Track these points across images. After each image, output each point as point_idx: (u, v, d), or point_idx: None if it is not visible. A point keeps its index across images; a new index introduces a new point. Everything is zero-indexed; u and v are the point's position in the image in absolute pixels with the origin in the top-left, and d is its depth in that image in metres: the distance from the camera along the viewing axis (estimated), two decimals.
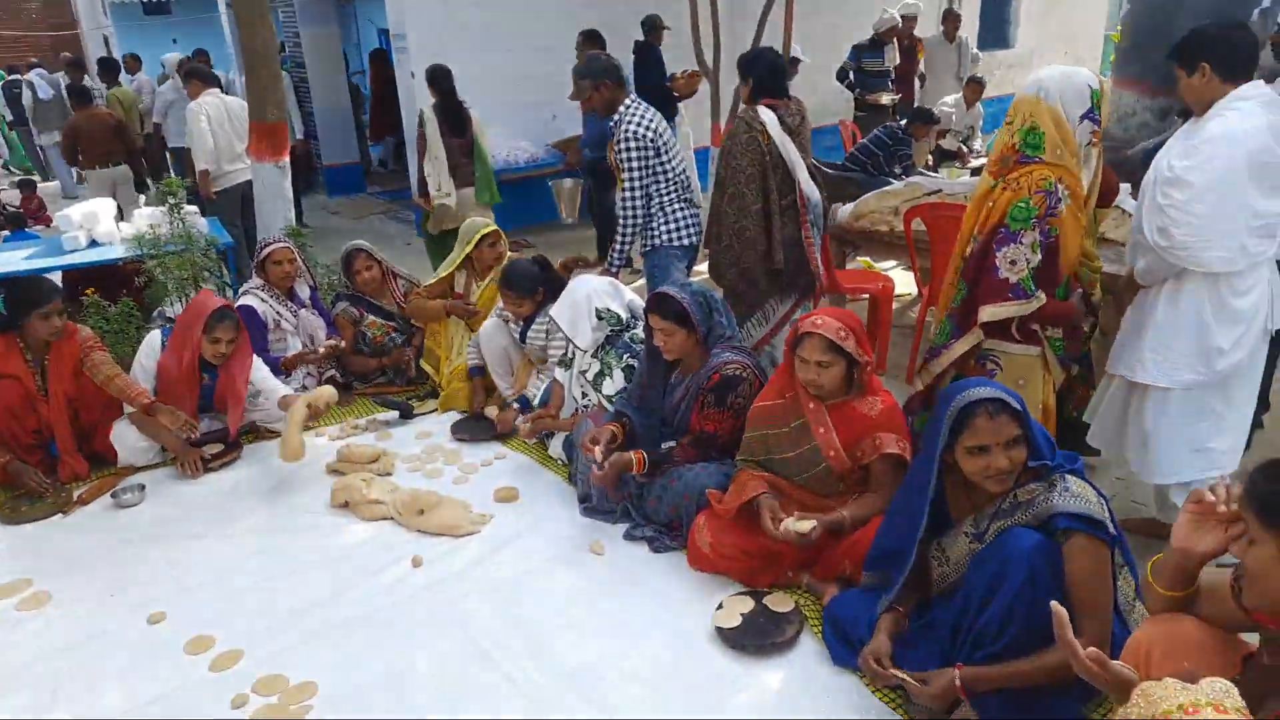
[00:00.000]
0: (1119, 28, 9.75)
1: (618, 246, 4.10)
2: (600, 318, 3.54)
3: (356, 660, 2.57)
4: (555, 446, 3.70)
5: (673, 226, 4.10)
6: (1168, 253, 2.67)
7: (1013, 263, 2.66)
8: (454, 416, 4.16)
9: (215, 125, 6.18)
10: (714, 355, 3.06)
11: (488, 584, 2.90)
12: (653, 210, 4.08)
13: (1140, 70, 8.54)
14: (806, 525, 2.59)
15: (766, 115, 3.71)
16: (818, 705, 2.34)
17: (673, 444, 3.13)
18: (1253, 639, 1.71)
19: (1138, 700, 1.16)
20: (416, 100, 7.78)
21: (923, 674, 2.15)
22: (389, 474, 3.64)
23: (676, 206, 4.10)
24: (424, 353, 4.56)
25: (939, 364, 2.87)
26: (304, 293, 4.48)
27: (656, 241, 4.12)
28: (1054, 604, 1.58)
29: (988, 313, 2.71)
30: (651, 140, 3.94)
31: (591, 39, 6.73)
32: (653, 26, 7.35)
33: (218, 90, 6.39)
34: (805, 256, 3.87)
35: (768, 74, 3.78)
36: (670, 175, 4.04)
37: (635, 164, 3.94)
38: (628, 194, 3.99)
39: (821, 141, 10.02)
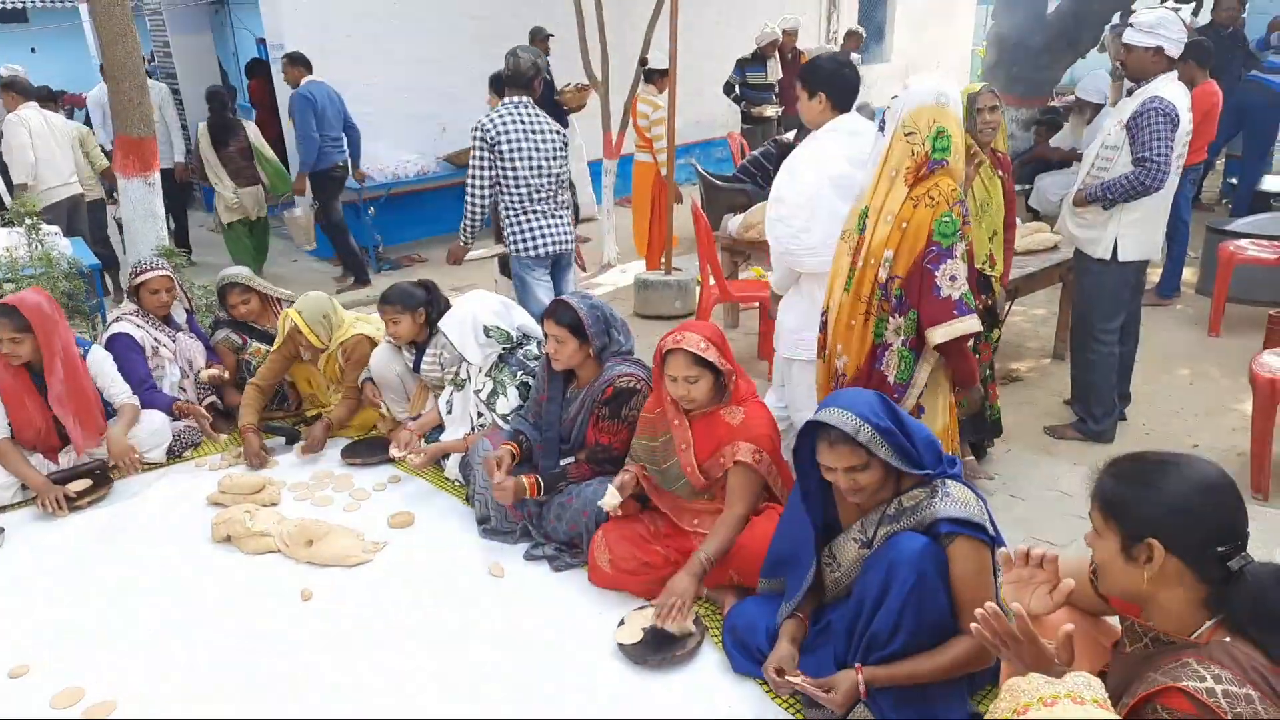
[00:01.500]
0: (984, 43, 10.31)
1: (465, 224, 4.29)
2: (488, 335, 3.49)
3: (244, 701, 2.44)
4: (451, 468, 3.63)
5: (520, 235, 4.23)
6: (782, 259, 3.16)
7: (953, 279, 2.64)
8: (344, 442, 4.03)
9: (36, 139, 5.83)
10: (608, 368, 3.07)
11: (383, 613, 2.81)
12: (505, 216, 4.26)
13: (1005, 83, 9.06)
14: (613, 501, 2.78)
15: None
16: (720, 714, 2.36)
17: (570, 460, 3.12)
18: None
19: (1005, 695, 1.21)
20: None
21: (826, 680, 2.19)
22: (275, 504, 3.48)
23: (526, 215, 4.21)
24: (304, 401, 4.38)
25: (909, 400, 2.77)
26: (180, 316, 4.26)
27: (510, 248, 4.29)
28: (989, 604, 1.63)
29: (940, 334, 2.66)
30: (491, 136, 4.08)
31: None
32: (537, 38, 7.33)
33: (36, 104, 6.05)
34: None
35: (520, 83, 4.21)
36: (517, 181, 4.14)
37: (473, 154, 4.14)
38: (467, 181, 4.19)
39: (712, 154, 10.22)
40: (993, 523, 2.23)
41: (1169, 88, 3.50)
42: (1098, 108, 6.41)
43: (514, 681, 2.50)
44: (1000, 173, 3.50)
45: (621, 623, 2.68)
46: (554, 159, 4.24)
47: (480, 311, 3.52)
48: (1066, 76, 9.40)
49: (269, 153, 7.08)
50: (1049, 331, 5.10)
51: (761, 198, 5.98)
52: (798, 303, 3.21)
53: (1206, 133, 5.29)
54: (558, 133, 4.28)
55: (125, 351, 3.92)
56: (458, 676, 2.52)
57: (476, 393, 3.55)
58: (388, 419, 4.06)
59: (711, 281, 5.10)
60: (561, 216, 4.34)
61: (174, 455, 3.93)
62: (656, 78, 6.56)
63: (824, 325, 2.91)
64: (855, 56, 9.43)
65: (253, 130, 7.00)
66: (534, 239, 4.25)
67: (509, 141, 4.09)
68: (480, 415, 3.56)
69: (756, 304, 5.16)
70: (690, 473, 2.78)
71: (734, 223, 5.51)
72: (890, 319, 2.70)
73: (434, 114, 8.19)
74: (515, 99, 4.19)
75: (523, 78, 4.20)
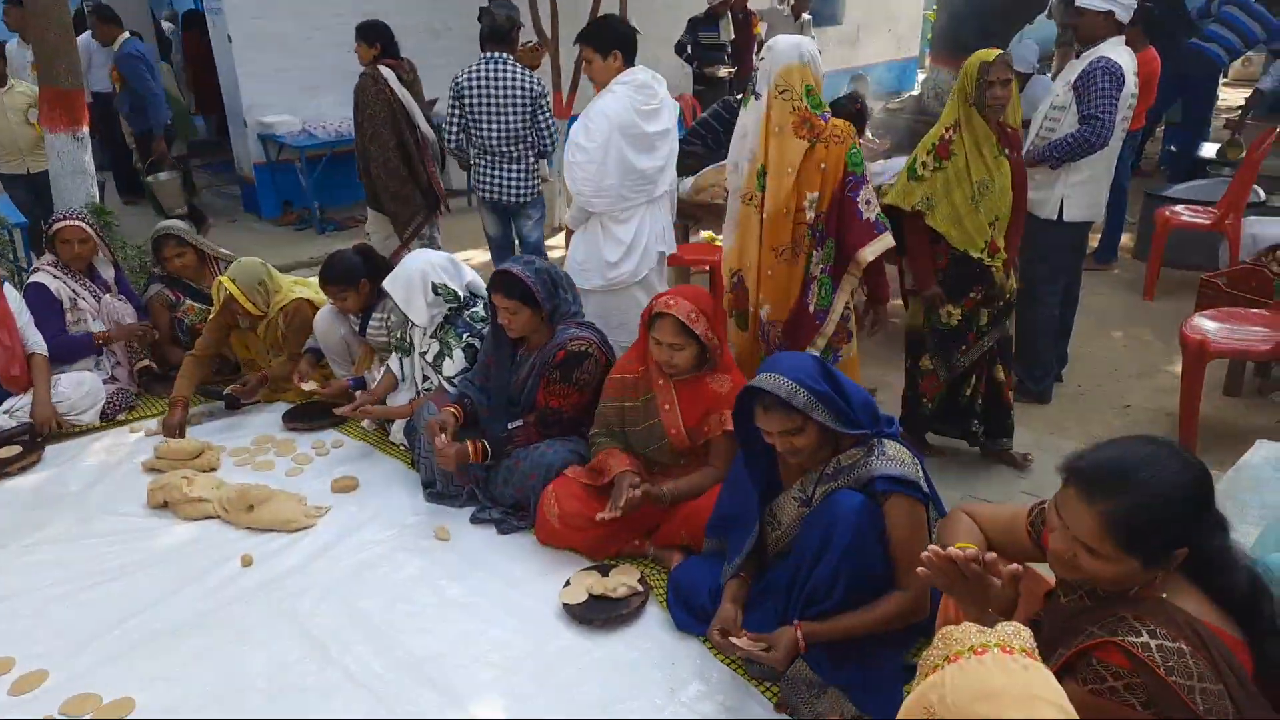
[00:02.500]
0: (934, 7, 10.32)
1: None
2: (437, 293, 3.43)
3: (180, 671, 2.41)
4: (396, 432, 3.58)
5: (476, 179, 4.70)
6: (576, 200, 3.53)
7: (869, 202, 2.98)
8: (285, 406, 3.95)
9: None
10: (559, 332, 3.04)
11: (325, 579, 2.79)
12: (473, 160, 4.67)
13: (954, 49, 9.08)
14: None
15: (387, 73, 4.67)
16: (663, 672, 2.39)
17: (518, 424, 3.10)
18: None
19: (938, 643, 1.24)
20: (237, 68, 7.27)
21: (765, 637, 2.23)
22: (214, 469, 3.41)
23: (481, 162, 4.62)
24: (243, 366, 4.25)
25: (830, 325, 3.05)
26: (107, 274, 4.09)
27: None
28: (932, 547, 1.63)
29: (870, 252, 2.98)
30: (458, 88, 4.48)
31: None
32: None
33: None
34: (432, 183, 4.88)
35: (388, 39, 4.72)
36: (479, 131, 4.51)
37: (447, 103, 4.60)
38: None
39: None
40: (928, 480, 2.29)
41: (1116, 50, 3.58)
42: (1027, 77, 6.47)
43: (458, 643, 2.50)
44: (1009, 151, 3.22)
45: (567, 583, 2.69)
46: (518, 114, 4.46)
47: (429, 269, 3.46)
48: (1015, 41, 9.47)
49: (174, 92, 7.49)
50: None
51: (712, 160, 5.95)
52: (588, 239, 3.61)
53: (1146, 99, 5.39)
54: (526, 89, 4.46)
55: (38, 302, 3.77)
56: (402, 639, 2.52)
57: (422, 355, 3.50)
58: (333, 385, 3.98)
59: None
60: (513, 170, 4.57)
61: (108, 418, 3.82)
62: None
63: (736, 286, 3.09)
64: (806, 18, 9.40)
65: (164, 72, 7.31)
66: (484, 185, 4.63)
67: (474, 95, 4.42)
68: (426, 379, 3.52)
69: (708, 268, 5.15)
70: (675, 434, 2.78)
71: (684, 185, 5.47)
72: (814, 253, 2.93)
73: None
74: (490, 54, 4.47)
75: (500, 32, 4.48)
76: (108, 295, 4.02)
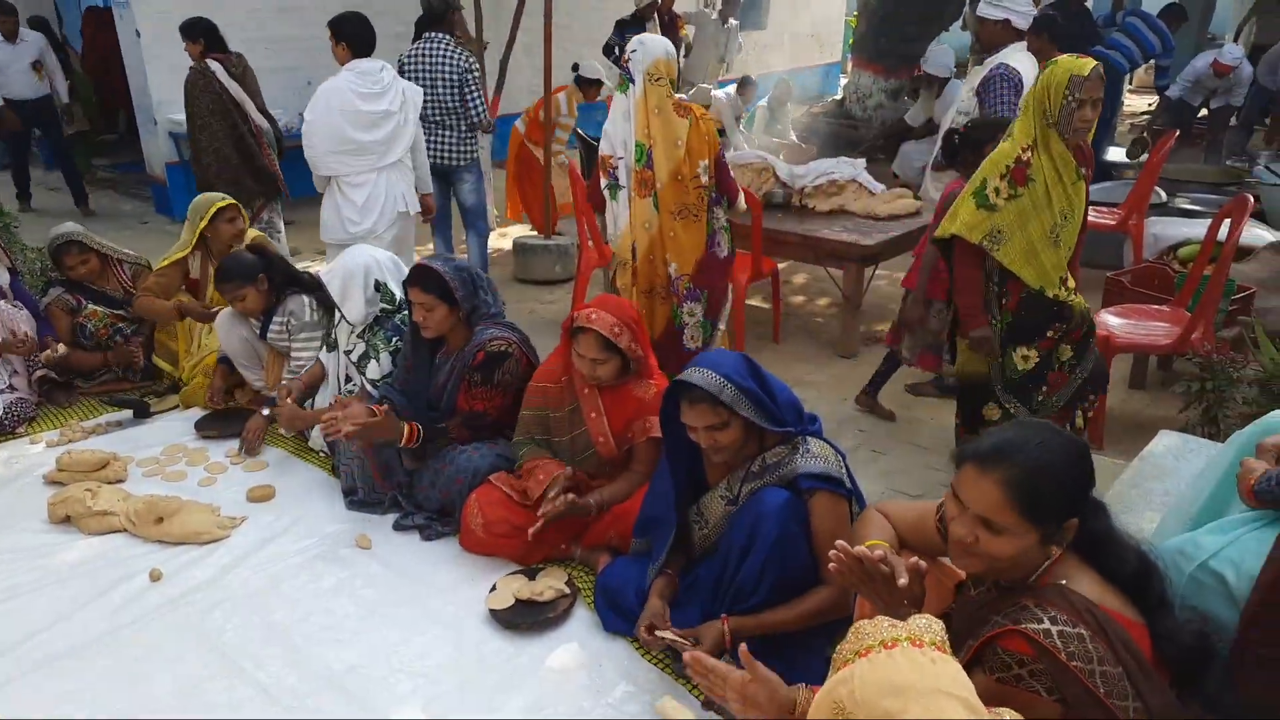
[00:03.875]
0: (855, 13, 10.55)
1: None
2: (377, 290, 3.35)
3: (84, 694, 2.29)
4: (316, 438, 3.48)
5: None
6: (310, 164, 4.21)
7: (728, 161, 3.43)
8: (199, 413, 3.81)
9: None
10: (478, 332, 2.99)
11: (239, 592, 2.69)
12: None
13: (875, 53, 9.34)
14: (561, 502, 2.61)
15: (215, 66, 4.96)
16: (590, 674, 2.37)
17: (444, 425, 3.04)
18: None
19: (850, 637, 1.26)
20: (146, 64, 6.99)
21: (692, 631, 2.24)
22: (121, 481, 3.27)
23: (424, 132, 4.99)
24: (156, 346, 4.10)
25: (724, 248, 3.40)
26: (2, 278, 3.87)
27: None
28: (839, 542, 1.68)
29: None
30: (398, 65, 4.83)
31: None
32: None
33: None
34: (268, 169, 5.13)
35: (212, 34, 5.00)
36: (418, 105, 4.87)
37: None
38: None
39: (593, 117, 10.11)
40: (850, 477, 2.32)
41: (1015, 56, 3.71)
42: (945, 81, 6.67)
43: (378, 654, 2.44)
44: (1084, 171, 2.92)
45: (493, 588, 2.65)
46: (448, 88, 4.88)
47: (373, 265, 3.37)
48: (933, 46, 9.76)
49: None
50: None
51: None
52: (330, 200, 4.33)
53: None
54: (455, 65, 4.88)
55: None
56: (319, 652, 2.44)
57: (347, 353, 3.41)
58: (246, 390, 3.86)
59: (590, 244, 5.06)
60: (448, 136, 5.01)
61: (5, 431, 3.62)
62: (586, 86, 6.64)
63: (636, 255, 3.33)
64: (732, 22, 9.50)
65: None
66: (434, 153, 5.00)
67: (412, 71, 4.85)
68: (349, 380, 3.43)
69: None
70: (603, 442, 2.77)
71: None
72: (714, 210, 3.26)
73: (297, 67, 7.75)
74: (428, 35, 4.90)
75: (436, 14, 4.92)
76: (2, 301, 3.81)
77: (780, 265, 5.11)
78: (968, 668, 1.60)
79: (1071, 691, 1.46)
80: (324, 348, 3.52)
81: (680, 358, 3.34)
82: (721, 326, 3.38)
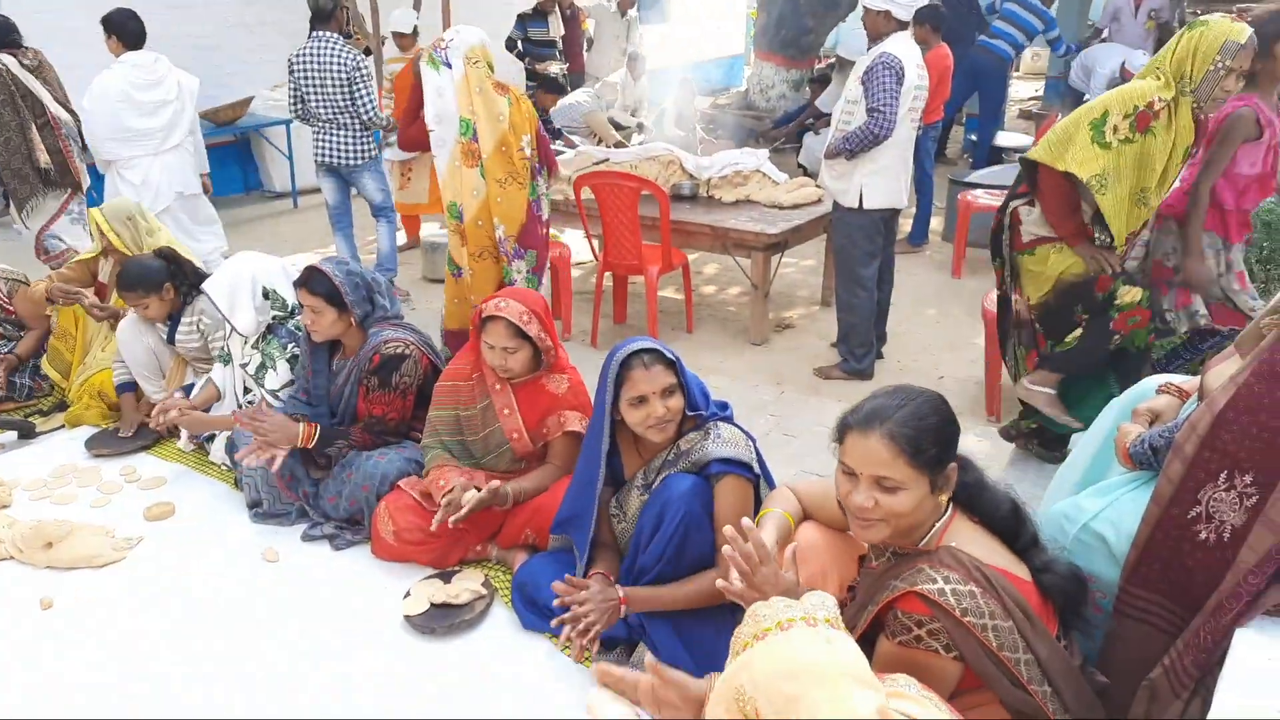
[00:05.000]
0: (756, 5, 10.70)
1: None
2: (267, 298, 3.24)
3: None
4: (217, 451, 3.35)
5: (314, 147, 5.12)
6: (91, 149, 4.64)
7: (547, 135, 3.71)
8: (89, 431, 3.63)
9: None
10: (373, 335, 2.94)
11: (138, 615, 2.58)
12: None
13: (776, 44, 9.50)
14: (469, 494, 2.57)
15: (7, 59, 4.81)
16: (510, 672, 2.36)
17: (344, 429, 2.97)
18: None
19: (747, 621, 1.28)
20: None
21: (583, 581, 2.30)
22: (6, 507, 3.09)
23: (315, 129, 5.08)
24: (50, 355, 3.90)
25: (545, 210, 3.63)
26: None
27: None
28: (727, 527, 1.72)
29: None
30: (288, 65, 4.97)
31: None
32: None
33: None
34: (66, 162, 4.96)
35: (4, 30, 4.89)
36: (306, 101, 5.01)
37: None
38: None
39: None
40: (760, 460, 2.38)
41: (897, 45, 3.81)
42: (853, 64, 6.84)
43: (290, 666, 2.38)
44: (1195, 151, 2.84)
45: (407, 594, 2.61)
46: (337, 87, 4.89)
47: (259, 272, 3.26)
48: (831, 38, 9.98)
49: None
50: (818, 281, 5.44)
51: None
52: (108, 184, 4.71)
53: (942, 93, 5.79)
54: (343, 64, 4.85)
55: None
56: (225, 670, 2.37)
57: (243, 366, 3.30)
58: (143, 404, 3.69)
59: None
60: (342, 136, 5.01)
61: None
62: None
63: (464, 218, 3.47)
64: (633, 14, 9.52)
65: None
66: (320, 151, 5.08)
67: (301, 70, 4.90)
68: (248, 392, 3.32)
69: (549, 263, 5.12)
70: (518, 439, 2.74)
71: None
72: (537, 180, 3.50)
73: (187, 66, 7.38)
74: (317, 33, 4.87)
75: (323, 13, 4.89)
76: None
77: (691, 256, 5.17)
78: (871, 634, 1.66)
79: (967, 647, 1.53)
80: (219, 362, 3.39)
81: None
82: (544, 283, 3.63)
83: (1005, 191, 5.66)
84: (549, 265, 5.00)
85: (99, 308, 3.71)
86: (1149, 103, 2.64)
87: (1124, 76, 7.66)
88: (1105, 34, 8.38)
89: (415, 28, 6.17)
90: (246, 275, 3.24)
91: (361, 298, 2.90)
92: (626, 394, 2.28)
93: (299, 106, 5.06)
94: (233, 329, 3.26)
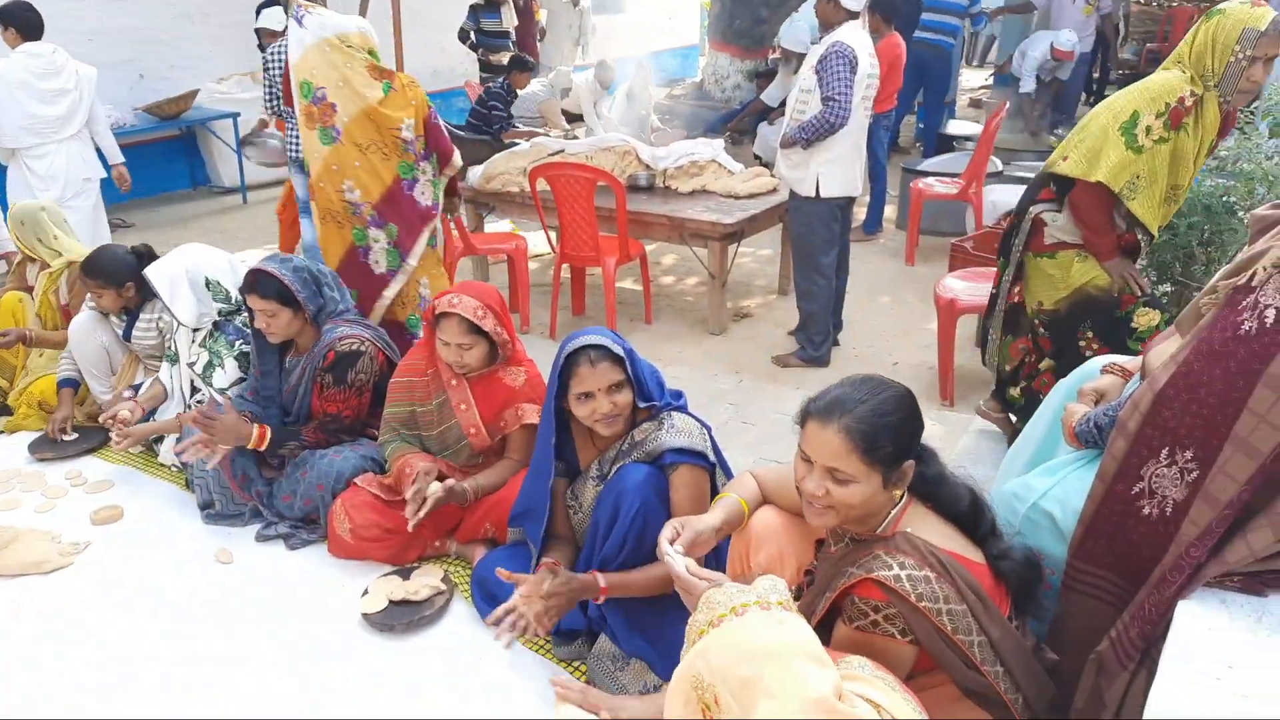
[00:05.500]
0: None
1: None
2: (209, 288, 3.17)
3: None
4: (166, 452, 3.28)
5: (287, 143, 4.90)
6: None
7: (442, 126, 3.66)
8: (30, 436, 3.52)
9: None
10: (326, 332, 2.89)
11: (87, 621, 2.51)
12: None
13: (731, 35, 9.52)
14: (432, 489, 2.54)
15: None
16: (471, 667, 2.35)
17: (297, 428, 2.93)
18: None
19: (702, 608, 1.29)
20: None
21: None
22: None
23: (289, 124, 5.00)
24: None
25: (426, 196, 3.51)
26: None
27: None
28: (663, 539, 1.73)
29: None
30: (263, 62, 4.95)
31: None
32: None
33: None
34: None
35: None
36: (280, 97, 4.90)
37: None
38: None
39: (452, 104, 9.90)
40: (716, 449, 2.38)
41: (849, 34, 3.85)
42: (803, 57, 6.88)
43: (247, 668, 2.34)
44: (1215, 142, 2.73)
45: (365, 592, 2.58)
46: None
47: (201, 262, 3.19)
48: (785, 29, 10.04)
49: None
50: (775, 270, 5.48)
51: (502, 147, 5.91)
52: (14, 173, 4.84)
53: (894, 82, 5.85)
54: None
55: None
56: (179, 673, 2.32)
57: (190, 365, 3.22)
58: (88, 404, 3.60)
59: (455, 235, 4.96)
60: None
61: None
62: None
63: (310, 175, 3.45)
64: (585, 4, 9.48)
65: None
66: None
67: (276, 68, 4.68)
68: (196, 391, 3.24)
69: (505, 257, 5.09)
70: (475, 434, 2.71)
71: (474, 174, 5.39)
72: (420, 163, 3.42)
73: (130, 60, 7.27)
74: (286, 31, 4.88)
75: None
76: None
77: (649, 247, 5.16)
78: (828, 619, 1.68)
79: (922, 631, 1.55)
80: (167, 362, 3.31)
81: (369, 281, 3.44)
82: (411, 262, 3.50)
83: (956, 179, 5.82)
84: (507, 258, 5.01)
85: (57, 342, 3.62)
86: (1179, 98, 2.53)
87: (1054, 56, 7.87)
88: (1039, 10, 8.57)
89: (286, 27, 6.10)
90: (191, 264, 3.17)
91: (312, 293, 2.85)
92: (573, 389, 2.27)
93: (274, 104, 4.88)
94: (176, 321, 3.19)
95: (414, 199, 3.48)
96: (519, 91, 7.15)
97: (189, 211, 7.22)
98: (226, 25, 7.60)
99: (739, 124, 8.68)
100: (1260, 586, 1.59)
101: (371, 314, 3.43)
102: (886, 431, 1.62)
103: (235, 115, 7.40)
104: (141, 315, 3.40)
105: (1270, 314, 1.54)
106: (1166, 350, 1.82)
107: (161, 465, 3.31)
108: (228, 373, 3.14)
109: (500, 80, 7.10)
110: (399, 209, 3.43)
